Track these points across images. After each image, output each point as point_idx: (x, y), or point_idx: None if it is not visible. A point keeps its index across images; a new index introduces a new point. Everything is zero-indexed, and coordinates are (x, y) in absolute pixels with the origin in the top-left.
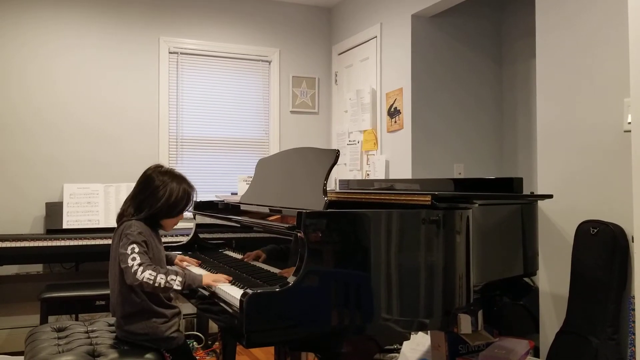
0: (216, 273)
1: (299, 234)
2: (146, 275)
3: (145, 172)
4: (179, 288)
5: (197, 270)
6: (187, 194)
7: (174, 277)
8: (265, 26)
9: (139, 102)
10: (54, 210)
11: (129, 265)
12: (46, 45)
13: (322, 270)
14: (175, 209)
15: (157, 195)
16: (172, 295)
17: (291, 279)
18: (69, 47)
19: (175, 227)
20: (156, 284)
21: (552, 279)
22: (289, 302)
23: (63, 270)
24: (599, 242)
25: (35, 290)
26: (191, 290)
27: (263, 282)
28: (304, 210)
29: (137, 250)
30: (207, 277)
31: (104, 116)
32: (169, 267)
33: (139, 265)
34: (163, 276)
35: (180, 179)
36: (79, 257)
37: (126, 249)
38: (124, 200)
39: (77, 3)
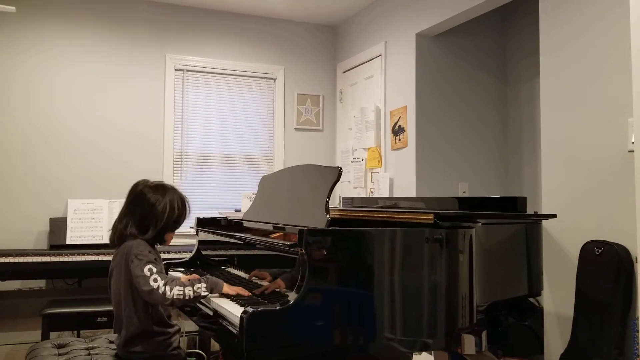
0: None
1: (300, 252)
2: (175, 292)
3: (135, 190)
4: (206, 293)
5: None
6: (184, 203)
7: (199, 284)
8: (270, 44)
9: (145, 118)
10: (58, 225)
11: (154, 287)
12: (50, 62)
13: (324, 288)
14: (179, 221)
15: (156, 211)
16: (171, 312)
17: (292, 297)
18: (74, 64)
19: (177, 243)
20: (187, 297)
21: (557, 300)
22: (289, 320)
23: (66, 286)
24: (603, 263)
25: (38, 306)
26: (193, 308)
27: (264, 299)
28: (306, 228)
29: (154, 270)
30: (227, 286)
31: (109, 132)
32: (191, 278)
33: (165, 284)
34: (190, 287)
35: (172, 190)
36: (82, 272)
37: (143, 271)
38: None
39: (83, 21)
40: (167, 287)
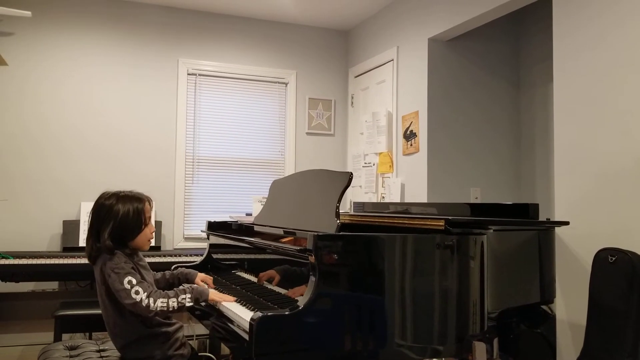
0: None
1: (309, 257)
2: (159, 304)
3: (95, 206)
4: (191, 304)
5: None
6: (136, 210)
7: (183, 295)
8: (282, 48)
9: (157, 122)
10: (71, 227)
11: (137, 300)
12: (63, 66)
13: (333, 293)
14: (130, 229)
15: (109, 222)
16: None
17: (301, 302)
18: (86, 68)
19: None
20: (170, 308)
21: (570, 307)
22: (299, 325)
23: (78, 288)
24: (617, 271)
25: (51, 308)
26: (203, 312)
27: (274, 304)
28: (316, 233)
29: (134, 282)
30: (213, 293)
31: (122, 136)
32: (176, 288)
33: (147, 297)
34: (174, 299)
35: (126, 199)
36: (94, 275)
37: (123, 284)
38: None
39: (96, 25)
40: (151, 300)
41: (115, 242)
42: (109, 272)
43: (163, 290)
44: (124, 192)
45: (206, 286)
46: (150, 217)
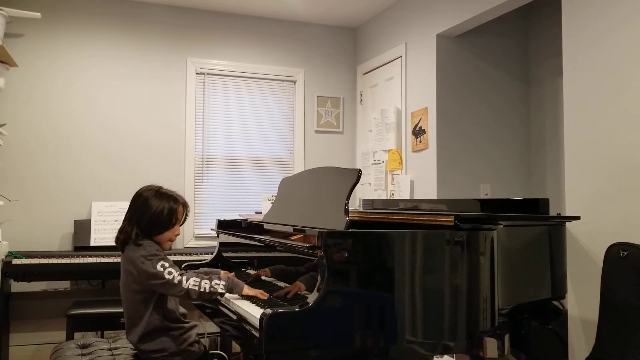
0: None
1: (319, 254)
2: (191, 282)
3: (135, 194)
4: (223, 291)
5: None
6: (170, 210)
7: (217, 281)
8: (290, 47)
9: (166, 121)
10: (82, 227)
11: (169, 279)
12: (72, 67)
13: (343, 290)
14: (158, 224)
15: (142, 213)
16: (186, 312)
17: (311, 299)
18: (95, 69)
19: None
20: (202, 289)
21: (581, 303)
22: (309, 322)
23: (90, 287)
24: (629, 266)
25: (63, 307)
26: (214, 309)
27: (284, 301)
28: (325, 230)
29: (167, 265)
30: (248, 288)
31: (131, 136)
32: (212, 274)
33: (180, 275)
34: (207, 281)
35: (163, 196)
36: (105, 274)
37: (156, 268)
38: None
39: (105, 26)
40: (184, 278)
41: (142, 231)
42: (142, 260)
43: None
44: (165, 189)
45: None
46: (179, 220)
